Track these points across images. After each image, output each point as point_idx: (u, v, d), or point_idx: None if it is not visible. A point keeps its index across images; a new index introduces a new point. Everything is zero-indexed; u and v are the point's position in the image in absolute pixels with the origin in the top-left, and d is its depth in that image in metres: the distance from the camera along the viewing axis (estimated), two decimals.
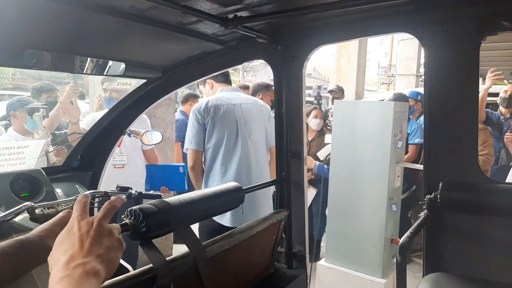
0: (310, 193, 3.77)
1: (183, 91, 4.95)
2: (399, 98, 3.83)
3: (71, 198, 1.64)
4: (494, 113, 4.18)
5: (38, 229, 0.82)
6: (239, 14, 1.47)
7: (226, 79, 2.79)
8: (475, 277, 1.56)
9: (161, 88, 2.12)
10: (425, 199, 1.61)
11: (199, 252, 1.23)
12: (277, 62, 1.89)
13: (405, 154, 3.64)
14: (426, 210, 1.60)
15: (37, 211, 1.47)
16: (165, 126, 3.81)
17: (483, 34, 1.44)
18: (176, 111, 4.48)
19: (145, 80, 2.11)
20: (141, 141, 2.45)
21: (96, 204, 1.74)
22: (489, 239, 1.56)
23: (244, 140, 2.57)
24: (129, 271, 1.27)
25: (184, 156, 3.68)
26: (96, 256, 0.62)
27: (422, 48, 1.58)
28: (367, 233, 2.84)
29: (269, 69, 1.96)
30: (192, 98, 4.71)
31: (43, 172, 1.88)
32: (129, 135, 2.38)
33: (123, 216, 1.06)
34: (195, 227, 2.66)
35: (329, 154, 3.28)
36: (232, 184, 1.51)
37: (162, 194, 1.88)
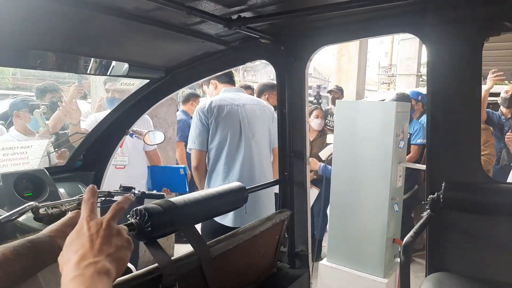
0: (313, 193, 3.78)
1: (183, 91, 4.96)
2: (402, 98, 3.83)
3: (74, 198, 1.64)
4: (495, 113, 4.18)
5: (48, 229, 0.82)
6: (242, 15, 1.47)
7: (229, 80, 2.79)
8: (478, 277, 1.57)
9: (164, 88, 2.13)
10: (427, 199, 1.61)
11: (204, 251, 1.23)
12: (279, 63, 1.90)
13: (407, 154, 3.65)
14: (428, 210, 1.60)
15: (41, 210, 1.47)
16: (166, 126, 3.82)
17: (486, 35, 1.45)
18: (177, 111, 4.50)
19: (148, 81, 2.12)
20: (144, 141, 2.46)
21: (98, 204, 1.75)
22: (492, 239, 1.57)
23: (248, 140, 2.58)
24: (132, 271, 1.28)
25: (188, 156, 3.68)
26: (106, 255, 0.63)
27: (423, 48, 1.59)
28: (369, 233, 2.85)
29: (269, 69, 1.97)
30: (193, 97, 4.72)
31: (47, 172, 1.88)
32: (131, 135, 2.39)
33: (128, 215, 1.06)
34: (197, 228, 2.67)
35: (331, 154, 3.29)
36: (235, 184, 1.51)
37: (165, 194, 1.89)
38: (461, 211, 1.62)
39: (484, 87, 3.57)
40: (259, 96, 3.56)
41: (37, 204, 1.45)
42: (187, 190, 2.97)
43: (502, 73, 3.78)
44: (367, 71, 10.13)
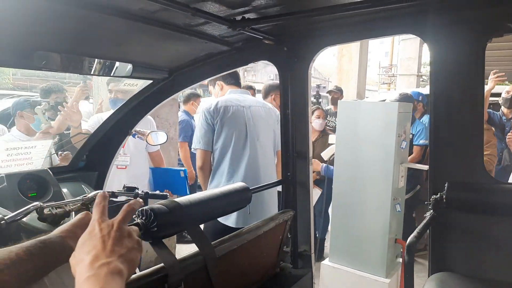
0: (315, 193, 3.79)
1: (184, 91, 4.97)
2: (405, 98, 3.83)
3: (78, 198, 1.65)
4: (496, 114, 4.19)
5: (59, 229, 0.83)
6: (246, 16, 1.48)
7: (236, 82, 2.79)
8: (481, 277, 1.57)
9: (167, 89, 2.13)
10: (430, 199, 1.62)
11: (209, 252, 1.24)
12: (282, 63, 1.90)
13: (410, 155, 3.65)
14: (431, 210, 1.61)
15: (45, 211, 1.48)
16: (168, 126, 3.83)
17: (489, 36, 1.45)
18: (179, 111, 4.50)
19: (151, 81, 2.13)
20: (146, 141, 2.47)
21: None
22: (495, 239, 1.58)
23: (253, 142, 2.58)
24: (135, 272, 1.29)
25: (192, 156, 3.69)
26: (118, 256, 0.64)
27: (423, 48, 1.59)
28: (371, 233, 2.85)
29: (269, 69, 1.99)
30: (193, 97, 4.73)
31: (50, 172, 1.89)
32: (134, 135, 2.40)
33: (134, 216, 1.07)
34: None
35: (333, 154, 3.29)
36: (239, 184, 1.52)
37: (168, 194, 1.89)
38: (464, 211, 1.62)
39: (485, 88, 3.58)
40: (265, 96, 3.57)
41: (41, 204, 1.46)
42: (188, 192, 2.98)
43: (504, 73, 3.79)
44: (368, 71, 10.14)
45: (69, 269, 0.68)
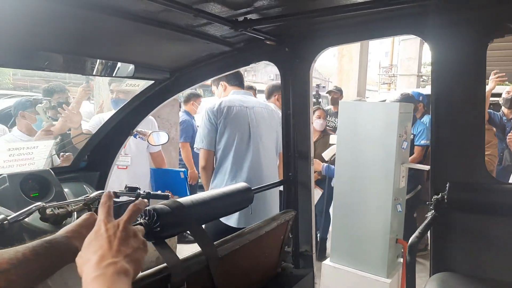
0: (316, 193, 3.79)
1: (184, 90, 4.97)
2: (407, 98, 3.83)
3: (80, 198, 1.65)
4: (497, 114, 4.20)
5: (64, 230, 0.84)
6: (248, 16, 1.48)
7: (239, 83, 2.79)
8: (482, 277, 1.57)
9: (169, 89, 2.14)
10: (432, 200, 1.62)
11: (211, 252, 1.25)
12: (284, 64, 1.91)
13: (411, 155, 3.66)
14: (433, 211, 1.61)
15: (47, 211, 1.49)
16: (169, 126, 3.83)
17: (490, 37, 1.46)
18: (180, 111, 4.51)
19: (153, 81, 2.13)
20: (148, 141, 2.47)
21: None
22: (496, 239, 1.58)
23: (256, 142, 2.58)
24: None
25: (195, 155, 3.69)
26: (124, 256, 0.64)
27: (424, 48, 1.60)
28: (372, 233, 2.86)
29: (269, 69, 1.99)
30: (193, 97, 4.74)
31: (52, 173, 1.89)
32: (135, 136, 2.40)
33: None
34: None
35: (334, 154, 3.30)
36: (241, 184, 1.53)
37: (169, 194, 1.90)
38: (465, 211, 1.63)
39: (486, 88, 3.58)
40: (269, 97, 3.57)
41: (44, 204, 1.46)
42: (188, 193, 2.98)
43: (504, 74, 3.79)
44: (368, 71, 10.15)
45: (72, 269, 0.69)
